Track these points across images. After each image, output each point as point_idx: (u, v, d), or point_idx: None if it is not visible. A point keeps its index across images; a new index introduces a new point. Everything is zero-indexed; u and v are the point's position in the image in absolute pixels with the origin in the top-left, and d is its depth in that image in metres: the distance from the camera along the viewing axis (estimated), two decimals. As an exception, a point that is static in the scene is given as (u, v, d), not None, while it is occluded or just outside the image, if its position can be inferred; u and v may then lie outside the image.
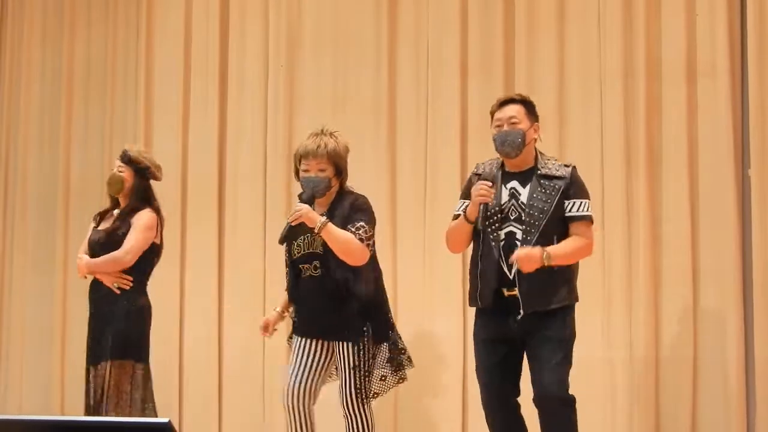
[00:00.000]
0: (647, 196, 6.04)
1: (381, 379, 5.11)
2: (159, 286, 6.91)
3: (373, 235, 5.05)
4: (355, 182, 6.59)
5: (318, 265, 5.01)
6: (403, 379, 5.17)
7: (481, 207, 4.71)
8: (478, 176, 4.84)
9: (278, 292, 6.29)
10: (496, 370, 4.81)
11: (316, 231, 4.94)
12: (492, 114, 4.92)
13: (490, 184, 4.73)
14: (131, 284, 5.48)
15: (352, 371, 4.97)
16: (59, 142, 7.38)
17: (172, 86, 7.09)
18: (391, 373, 5.12)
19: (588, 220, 4.81)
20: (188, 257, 6.93)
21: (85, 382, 5.54)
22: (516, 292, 4.70)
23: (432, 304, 6.38)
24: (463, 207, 4.86)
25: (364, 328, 4.99)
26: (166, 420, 3.06)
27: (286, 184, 6.72)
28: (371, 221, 5.07)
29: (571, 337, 4.81)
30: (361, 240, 4.97)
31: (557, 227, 4.74)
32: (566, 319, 4.80)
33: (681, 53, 6.06)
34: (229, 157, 6.89)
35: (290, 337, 5.27)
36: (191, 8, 7.13)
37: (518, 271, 4.67)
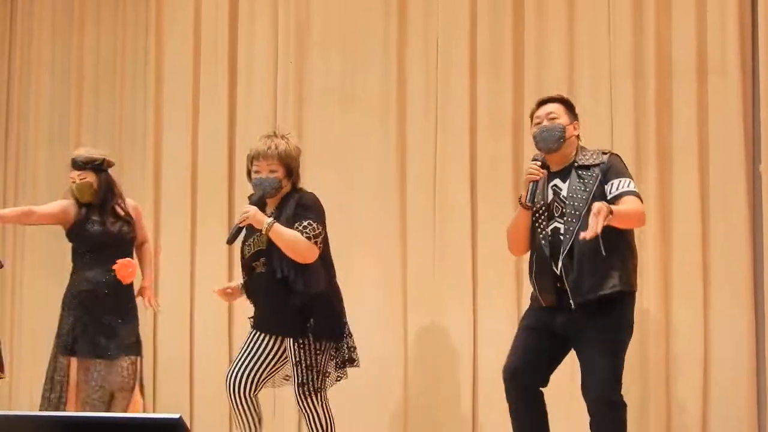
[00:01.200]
0: (658, 194, 6.03)
1: (325, 375, 5.13)
2: (168, 282, 6.94)
3: (321, 232, 5.09)
4: (363, 178, 6.62)
5: (264, 262, 5.09)
6: (341, 377, 5.23)
7: (531, 186, 4.73)
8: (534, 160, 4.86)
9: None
10: (528, 355, 4.80)
11: (263, 232, 5.02)
12: (531, 116, 4.96)
13: (540, 163, 4.76)
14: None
15: (295, 367, 5.03)
16: (69, 139, 7.38)
17: (182, 83, 7.09)
18: (334, 370, 5.18)
19: (633, 194, 4.72)
20: (198, 252, 6.93)
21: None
22: (566, 287, 4.70)
23: (442, 299, 6.38)
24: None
25: (308, 324, 5.04)
26: (177, 416, 3.07)
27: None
28: (318, 218, 5.12)
29: (621, 336, 4.76)
30: (308, 238, 5.04)
31: None
32: (617, 315, 4.73)
33: (691, 51, 6.05)
34: (238, 153, 6.88)
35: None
36: (200, 4, 7.13)
37: (564, 264, 4.67)
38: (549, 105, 4.92)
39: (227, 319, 6.81)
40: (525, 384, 4.80)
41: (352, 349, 5.23)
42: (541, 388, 4.84)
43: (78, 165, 5.70)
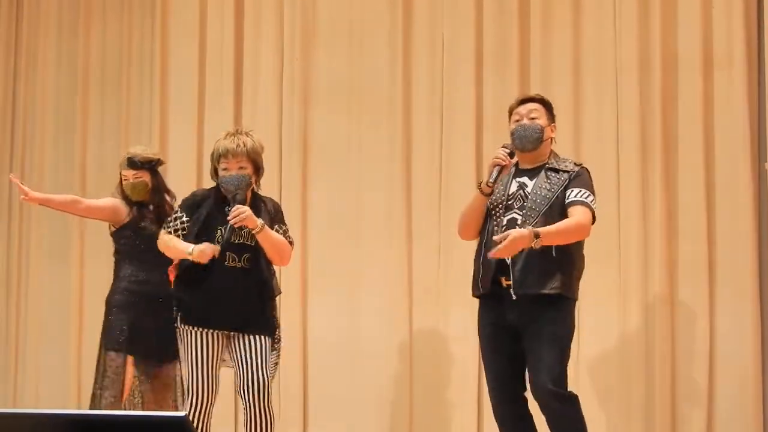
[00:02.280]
0: (663, 189, 6.02)
1: (274, 365, 5.12)
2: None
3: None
4: (369, 175, 6.62)
5: (248, 258, 5.02)
6: (276, 364, 5.19)
7: (495, 170, 4.73)
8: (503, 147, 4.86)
9: (288, 284, 6.34)
10: (502, 361, 4.80)
11: (255, 232, 4.98)
12: (510, 111, 4.95)
13: (508, 151, 4.77)
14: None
15: (261, 364, 4.97)
16: (75, 136, 7.39)
17: (188, 80, 7.09)
18: (275, 361, 5.15)
19: (585, 205, 4.74)
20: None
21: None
22: (511, 281, 4.70)
23: (447, 297, 6.37)
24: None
25: (275, 325, 5.11)
26: (182, 414, 3.07)
27: (301, 178, 6.72)
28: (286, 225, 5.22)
29: (567, 333, 4.76)
30: (291, 243, 5.15)
31: (558, 217, 4.71)
32: (562, 313, 4.74)
33: (697, 45, 6.04)
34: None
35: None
36: (206, 2, 7.12)
37: (514, 255, 4.66)
38: (530, 104, 4.91)
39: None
40: (509, 389, 4.81)
41: (278, 340, 5.21)
42: (524, 393, 4.82)
43: (135, 165, 5.66)
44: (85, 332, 7.17)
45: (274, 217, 5.13)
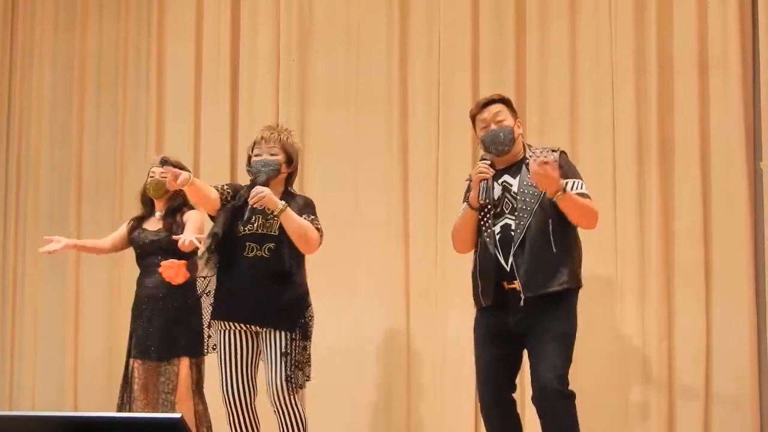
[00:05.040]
0: (659, 190, 6.02)
1: (306, 375, 4.97)
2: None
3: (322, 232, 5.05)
4: (366, 177, 6.62)
5: (272, 248, 4.93)
6: (308, 379, 5.01)
7: (483, 185, 4.67)
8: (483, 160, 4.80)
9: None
10: (494, 365, 4.77)
11: (276, 213, 4.88)
12: (473, 117, 4.90)
13: (489, 162, 4.71)
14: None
15: (282, 359, 4.87)
16: (71, 136, 7.39)
17: (184, 80, 7.09)
18: (306, 369, 4.99)
19: (588, 197, 4.73)
20: (200, 252, 6.93)
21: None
22: (516, 284, 4.66)
23: (444, 298, 6.37)
24: (466, 203, 4.84)
25: (301, 319, 4.94)
26: (178, 416, 3.06)
27: (297, 179, 6.70)
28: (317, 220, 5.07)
29: (572, 330, 4.74)
30: (317, 229, 4.99)
31: (550, 211, 4.66)
32: (567, 310, 4.72)
33: (692, 46, 6.04)
34: (240, 152, 6.88)
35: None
36: (202, 1, 7.13)
37: (515, 258, 4.64)
38: (493, 106, 4.85)
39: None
40: (498, 393, 4.78)
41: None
42: (512, 395, 4.81)
43: (166, 163, 5.65)
44: (81, 335, 7.17)
45: (302, 208, 5.02)
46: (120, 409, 5.61)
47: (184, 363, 5.58)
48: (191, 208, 5.74)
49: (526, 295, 4.64)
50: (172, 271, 5.60)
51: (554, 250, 4.65)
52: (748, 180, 5.88)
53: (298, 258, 5.00)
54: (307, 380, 4.98)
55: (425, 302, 6.42)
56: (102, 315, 7.13)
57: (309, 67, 6.84)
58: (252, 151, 5.08)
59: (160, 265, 5.61)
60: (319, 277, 6.59)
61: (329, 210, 6.64)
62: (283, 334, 4.91)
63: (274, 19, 6.93)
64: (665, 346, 5.94)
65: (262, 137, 5.07)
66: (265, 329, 4.94)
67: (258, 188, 4.85)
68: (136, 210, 5.91)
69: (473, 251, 4.87)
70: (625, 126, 6.12)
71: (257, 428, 5.01)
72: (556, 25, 6.33)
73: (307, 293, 5.05)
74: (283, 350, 4.89)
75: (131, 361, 5.65)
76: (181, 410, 5.46)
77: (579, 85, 6.25)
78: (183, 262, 5.59)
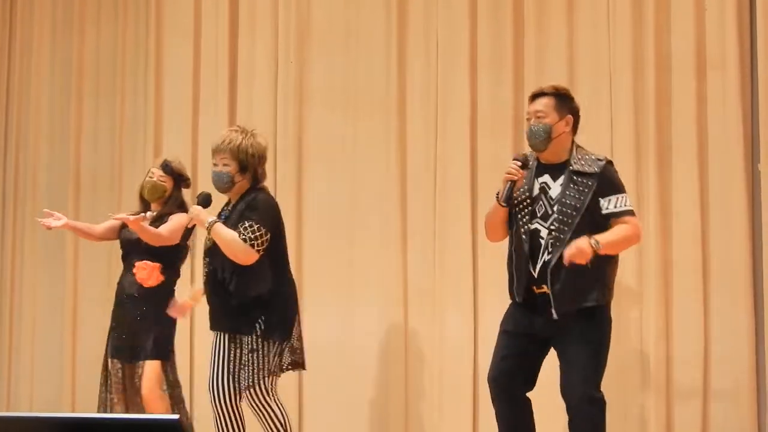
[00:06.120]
0: (657, 190, 6.02)
1: (273, 374, 5.01)
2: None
3: (262, 235, 4.94)
4: (365, 178, 6.62)
5: (209, 261, 5.05)
6: (281, 374, 5.09)
7: (508, 186, 4.68)
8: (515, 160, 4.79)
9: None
10: (511, 361, 4.75)
11: (207, 232, 5.00)
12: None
13: (520, 163, 4.70)
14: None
15: (219, 361, 4.94)
16: (69, 137, 7.39)
17: (182, 82, 7.09)
18: (280, 370, 5.04)
19: (630, 213, 4.70)
20: (197, 255, 6.91)
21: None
22: (545, 289, 4.64)
23: (442, 297, 6.37)
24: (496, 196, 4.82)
25: (257, 323, 4.93)
26: (175, 417, 3.06)
27: (296, 180, 6.72)
28: (263, 219, 4.97)
29: (603, 337, 4.71)
30: (245, 240, 4.91)
31: (590, 226, 4.61)
32: (598, 320, 4.69)
33: (690, 46, 6.04)
34: (239, 152, 6.88)
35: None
36: (201, 4, 7.13)
37: (551, 271, 4.61)
38: (539, 101, 4.77)
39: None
40: (508, 389, 4.76)
41: (297, 351, 5.07)
42: (527, 393, 4.79)
43: (166, 168, 5.75)
44: (79, 335, 7.17)
45: (244, 211, 5.00)
46: (100, 408, 5.62)
47: (150, 365, 5.58)
48: (186, 211, 5.70)
49: (559, 311, 4.62)
50: (145, 272, 5.63)
51: (589, 267, 4.58)
52: (746, 181, 5.89)
53: (234, 268, 4.97)
54: (250, 385, 4.95)
55: (423, 302, 6.43)
56: (100, 315, 7.09)
57: (307, 69, 6.84)
58: (212, 159, 5.13)
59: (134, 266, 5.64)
60: (317, 277, 6.62)
61: (328, 210, 6.66)
62: (226, 336, 4.97)
63: (273, 21, 6.93)
64: (663, 347, 5.94)
65: (214, 146, 5.09)
66: (215, 333, 5.06)
67: (191, 209, 5.08)
68: (134, 210, 5.91)
69: (509, 242, 4.83)
70: (623, 126, 6.13)
71: (242, 428, 5.01)
72: (554, 26, 6.33)
73: (256, 298, 4.98)
74: (218, 352, 4.97)
75: (108, 360, 5.69)
76: (150, 411, 5.46)
77: (577, 85, 6.24)
78: (157, 264, 5.63)
